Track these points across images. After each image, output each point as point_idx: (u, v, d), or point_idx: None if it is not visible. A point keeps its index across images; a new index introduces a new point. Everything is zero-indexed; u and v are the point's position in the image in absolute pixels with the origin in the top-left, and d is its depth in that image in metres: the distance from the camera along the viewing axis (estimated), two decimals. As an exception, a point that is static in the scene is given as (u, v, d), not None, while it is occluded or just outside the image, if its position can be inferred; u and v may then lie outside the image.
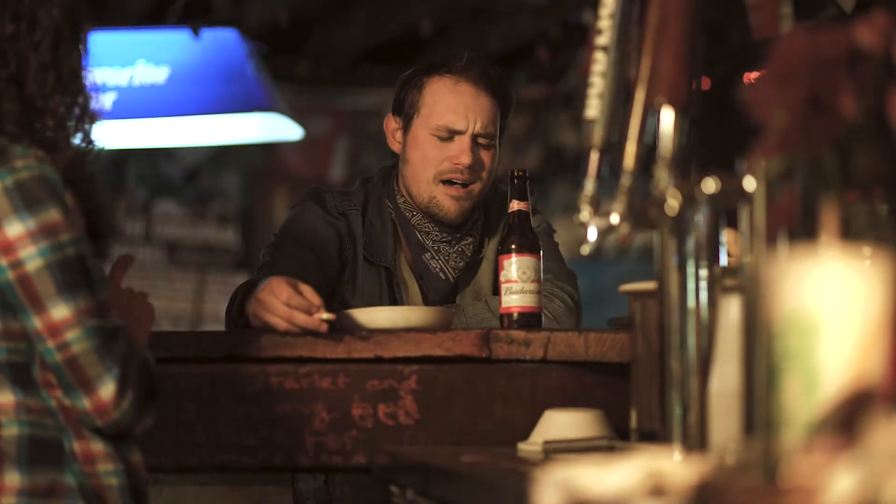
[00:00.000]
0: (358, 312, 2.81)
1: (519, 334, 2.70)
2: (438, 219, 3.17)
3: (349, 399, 2.68)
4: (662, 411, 1.78)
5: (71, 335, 2.11)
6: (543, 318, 2.88)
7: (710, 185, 1.63)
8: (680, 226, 1.74)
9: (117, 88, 5.49)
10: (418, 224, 3.20)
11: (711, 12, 1.93)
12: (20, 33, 2.22)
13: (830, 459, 1.21)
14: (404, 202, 3.21)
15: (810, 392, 1.31)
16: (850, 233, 1.44)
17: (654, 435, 1.92)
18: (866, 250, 1.33)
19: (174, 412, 2.66)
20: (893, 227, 1.46)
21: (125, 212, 7.88)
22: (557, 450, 2.36)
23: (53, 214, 2.13)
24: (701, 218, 1.72)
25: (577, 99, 7.52)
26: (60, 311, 2.11)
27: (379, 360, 2.69)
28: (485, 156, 3.17)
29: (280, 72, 6.91)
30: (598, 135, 1.94)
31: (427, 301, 3.16)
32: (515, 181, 2.91)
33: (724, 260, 1.77)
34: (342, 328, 2.75)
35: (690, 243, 1.74)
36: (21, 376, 2.16)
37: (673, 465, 1.36)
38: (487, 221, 3.26)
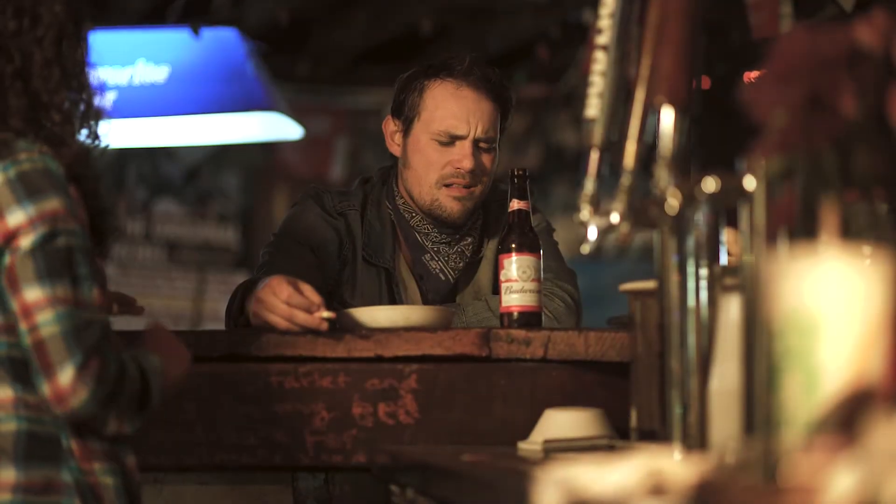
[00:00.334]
0: (358, 311, 2.81)
1: (519, 333, 2.70)
2: (441, 220, 3.17)
3: (349, 398, 2.68)
4: (662, 410, 1.78)
5: (41, 317, 2.10)
6: (543, 318, 2.88)
7: (710, 185, 1.63)
8: (680, 225, 1.74)
9: (117, 88, 5.50)
10: (417, 225, 3.20)
11: (711, 12, 1.93)
12: (23, 29, 2.23)
13: (830, 458, 1.22)
14: (403, 203, 3.21)
15: (810, 391, 1.31)
16: (850, 232, 1.44)
17: (654, 434, 1.92)
18: (866, 250, 1.33)
19: (174, 411, 2.66)
20: (893, 227, 1.46)
21: (125, 211, 7.89)
22: (557, 449, 2.36)
23: (54, 203, 2.14)
24: (701, 217, 1.73)
25: (577, 98, 7.52)
26: (34, 293, 2.11)
27: (379, 359, 2.69)
28: (486, 159, 3.17)
29: (280, 71, 6.91)
30: (598, 134, 1.94)
31: (427, 302, 3.16)
32: (515, 180, 2.91)
33: (724, 259, 1.77)
34: (342, 327, 2.75)
35: (690, 242, 1.74)
36: (20, 371, 2.15)
37: (673, 464, 1.36)
38: (486, 221, 3.26)
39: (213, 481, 2.73)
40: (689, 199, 1.69)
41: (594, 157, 1.95)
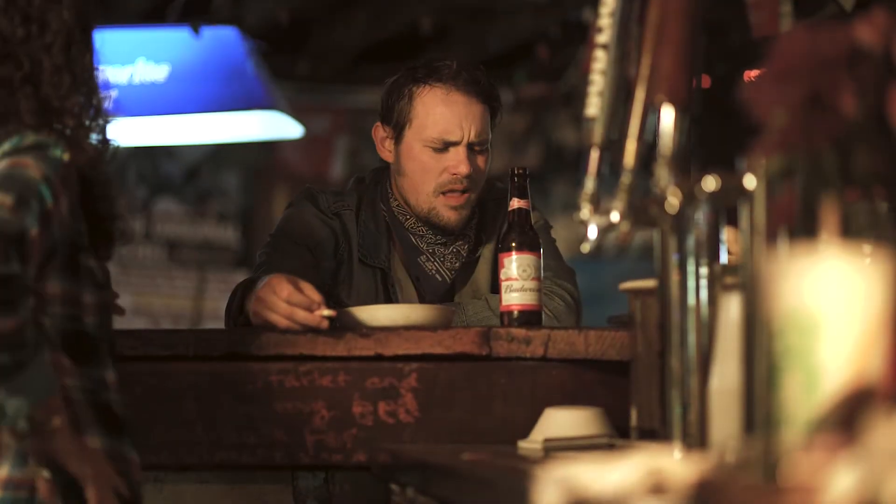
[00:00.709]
0: (358, 310, 2.81)
1: (519, 332, 2.71)
2: (438, 227, 3.17)
3: (349, 397, 2.68)
4: (662, 409, 1.78)
5: None
6: (543, 316, 2.88)
7: (710, 184, 1.63)
8: (680, 224, 1.74)
9: (117, 87, 5.50)
10: (412, 227, 3.20)
11: (711, 11, 1.93)
12: (31, 36, 2.23)
13: (830, 457, 1.22)
14: (398, 206, 3.21)
15: (810, 390, 1.31)
16: (850, 231, 1.44)
17: (655, 433, 1.92)
18: (866, 249, 1.33)
19: (174, 410, 2.66)
20: (893, 226, 1.46)
21: (125, 210, 7.87)
22: (557, 448, 2.36)
23: (29, 162, 2.12)
24: (701, 216, 1.73)
25: (577, 97, 7.52)
26: None
27: (379, 357, 2.69)
28: (480, 161, 3.17)
29: (280, 70, 6.91)
30: (598, 133, 1.94)
31: (423, 302, 3.16)
32: (515, 179, 2.91)
33: (724, 258, 1.77)
34: (342, 326, 2.75)
35: (691, 241, 1.74)
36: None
37: (673, 463, 1.36)
38: (483, 220, 3.26)
39: (213, 480, 2.73)
40: (690, 198, 1.69)
41: (594, 155, 1.95)
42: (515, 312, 2.83)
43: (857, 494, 1.15)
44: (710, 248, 1.74)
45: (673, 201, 1.70)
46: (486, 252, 3.22)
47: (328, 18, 7.13)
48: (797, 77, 1.44)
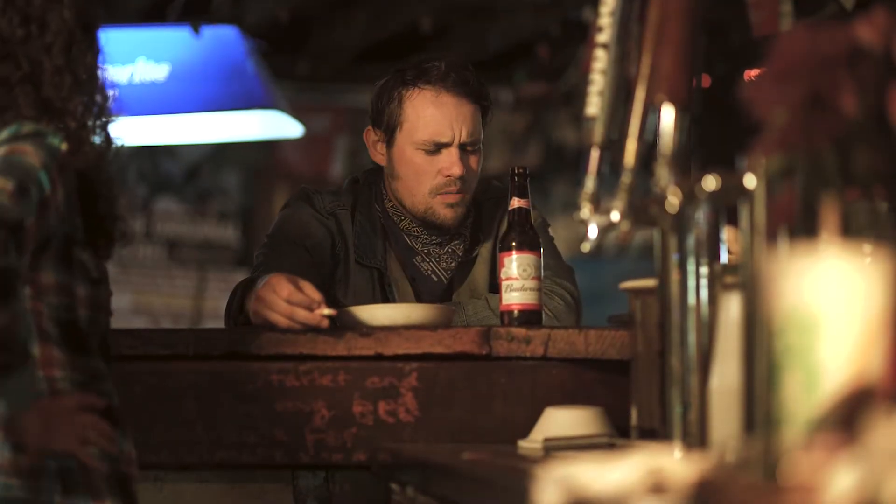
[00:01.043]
0: (358, 310, 2.81)
1: (519, 331, 2.71)
2: (435, 226, 3.17)
3: (349, 396, 2.68)
4: (663, 409, 1.78)
5: None
6: (543, 316, 2.88)
7: (710, 183, 1.63)
8: (680, 223, 1.74)
9: (118, 86, 5.49)
10: (407, 228, 3.19)
11: (711, 10, 1.93)
12: (31, 36, 2.23)
13: (831, 457, 1.22)
14: (392, 206, 3.21)
15: (810, 389, 1.31)
16: (851, 230, 1.44)
17: (655, 432, 1.92)
18: (866, 248, 1.33)
19: (175, 409, 2.66)
20: (893, 225, 1.46)
21: (125, 209, 7.87)
22: (558, 447, 2.36)
23: (28, 149, 2.12)
24: (701, 215, 1.73)
25: (577, 96, 7.51)
26: None
27: (379, 357, 2.69)
28: (473, 161, 3.16)
29: (280, 69, 6.91)
30: (598, 132, 1.94)
31: (421, 302, 3.15)
32: (515, 178, 2.91)
33: (724, 257, 1.77)
34: (342, 326, 2.75)
35: (691, 241, 1.74)
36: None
37: (673, 462, 1.36)
38: (480, 219, 3.25)
39: (213, 479, 2.73)
40: (690, 198, 1.69)
41: (594, 155, 1.95)
42: (515, 312, 2.83)
43: (857, 494, 1.15)
44: (711, 248, 1.74)
45: (673, 201, 1.70)
46: (484, 251, 3.22)
47: (328, 18, 7.13)
48: (797, 76, 1.44)
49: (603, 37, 1.95)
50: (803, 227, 1.47)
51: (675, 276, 1.76)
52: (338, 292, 3.11)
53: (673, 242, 1.76)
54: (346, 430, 2.67)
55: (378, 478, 2.63)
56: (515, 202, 2.89)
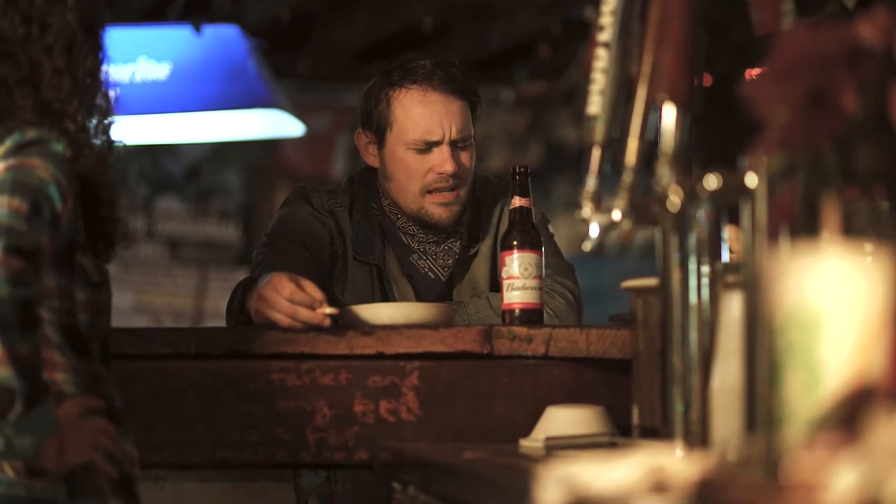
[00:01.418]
0: (360, 309, 2.81)
1: (521, 331, 2.71)
2: (430, 225, 3.17)
3: (351, 395, 2.68)
4: (664, 408, 1.78)
5: None
6: (545, 315, 2.88)
7: (711, 182, 1.63)
8: (682, 222, 1.74)
9: (119, 85, 5.49)
10: (403, 226, 3.20)
11: (712, 9, 1.93)
12: (32, 37, 2.22)
13: (832, 456, 1.22)
14: (388, 205, 3.21)
15: (812, 388, 1.31)
16: (852, 229, 1.44)
17: (656, 431, 1.93)
18: (867, 247, 1.33)
19: (176, 409, 2.66)
20: (894, 224, 1.46)
21: (127, 208, 7.87)
22: (559, 446, 2.36)
23: (36, 163, 2.12)
24: (702, 214, 1.73)
25: (578, 95, 7.52)
26: None
27: (381, 356, 2.69)
28: (464, 158, 3.16)
29: (281, 68, 6.91)
30: (599, 131, 1.94)
31: (420, 300, 3.16)
32: (517, 178, 2.91)
33: (725, 256, 1.78)
34: (344, 325, 2.75)
35: (692, 240, 1.74)
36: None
37: (675, 461, 1.36)
38: (479, 216, 3.25)
39: (215, 478, 2.73)
40: (691, 197, 1.69)
41: (595, 154, 1.95)
42: (517, 311, 2.83)
43: (858, 492, 1.15)
44: (712, 247, 1.74)
45: (674, 200, 1.70)
46: (484, 249, 3.22)
47: (329, 17, 7.13)
48: (798, 75, 1.44)
49: (604, 35, 1.96)
50: (804, 226, 1.47)
51: (676, 275, 1.76)
52: (336, 290, 3.11)
53: (674, 241, 1.76)
54: (348, 429, 2.68)
55: (380, 477, 2.64)
56: (517, 201, 2.89)
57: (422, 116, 3.13)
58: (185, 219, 8.11)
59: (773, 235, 1.51)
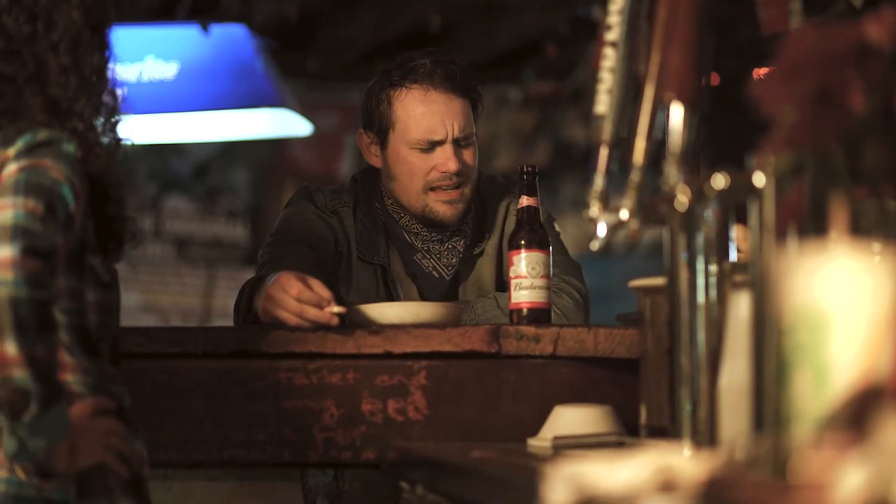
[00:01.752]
0: (367, 308, 2.81)
1: (529, 330, 2.71)
2: (435, 224, 3.17)
3: (359, 394, 2.68)
4: (672, 407, 1.78)
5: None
6: (552, 314, 2.88)
7: (719, 181, 1.63)
8: (689, 221, 1.74)
9: (127, 84, 5.50)
10: (406, 225, 3.20)
11: (720, 8, 1.93)
12: (37, 35, 2.22)
13: (840, 455, 1.22)
14: (392, 204, 3.21)
15: (820, 387, 1.31)
16: (860, 229, 1.44)
17: (664, 431, 1.92)
18: (875, 246, 1.33)
19: (184, 408, 2.66)
20: (902, 223, 1.46)
21: (134, 208, 7.88)
22: (567, 446, 2.36)
23: (49, 164, 2.12)
24: (710, 214, 1.73)
25: (586, 95, 7.51)
26: None
27: (388, 355, 2.69)
28: (467, 156, 3.16)
29: (289, 67, 6.91)
30: (607, 130, 1.94)
31: (424, 300, 3.15)
32: (524, 177, 2.91)
33: (733, 256, 1.77)
34: (352, 324, 2.75)
35: (700, 239, 1.74)
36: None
37: (682, 461, 1.36)
38: (484, 215, 3.25)
39: (222, 477, 2.73)
40: (699, 196, 1.69)
41: (603, 153, 1.95)
42: (525, 310, 2.83)
43: (866, 492, 1.15)
44: (720, 246, 1.74)
45: (682, 199, 1.70)
46: (490, 248, 3.22)
47: (336, 15, 7.13)
48: (806, 74, 1.44)
49: (612, 35, 1.95)
50: (812, 226, 1.47)
51: (684, 274, 1.76)
52: (341, 290, 3.11)
53: (682, 241, 1.76)
54: (356, 428, 2.68)
55: (387, 476, 2.64)
56: (524, 200, 2.89)
57: (424, 116, 3.13)
58: (193, 218, 8.12)
59: (780, 235, 1.51)
